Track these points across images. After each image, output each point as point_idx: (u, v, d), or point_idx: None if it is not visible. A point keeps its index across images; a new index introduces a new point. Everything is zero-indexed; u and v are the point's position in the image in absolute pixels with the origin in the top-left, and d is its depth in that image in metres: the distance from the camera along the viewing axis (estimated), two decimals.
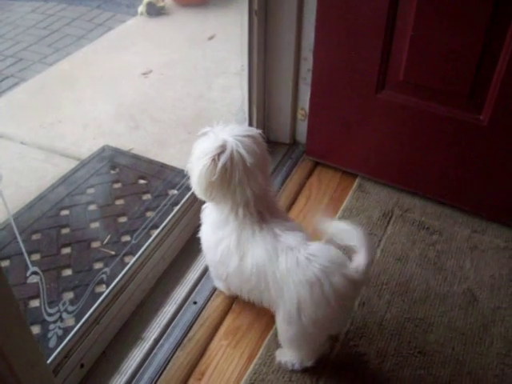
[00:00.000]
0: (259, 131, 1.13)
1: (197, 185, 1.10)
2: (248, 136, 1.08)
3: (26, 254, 1.36)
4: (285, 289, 1.06)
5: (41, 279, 1.09)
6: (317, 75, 1.63)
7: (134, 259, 1.37)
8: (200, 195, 1.12)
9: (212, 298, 1.38)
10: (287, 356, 1.23)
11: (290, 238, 1.08)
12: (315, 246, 1.07)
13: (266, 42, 1.65)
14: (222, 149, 1.04)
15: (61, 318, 1.14)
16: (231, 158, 1.04)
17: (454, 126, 1.51)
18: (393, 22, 1.44)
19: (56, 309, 1.14)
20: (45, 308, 1.11)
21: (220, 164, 1.03)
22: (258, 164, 1.07)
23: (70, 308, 1.18)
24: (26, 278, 1.43)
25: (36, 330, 1.27)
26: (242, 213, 1.09)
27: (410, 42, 1.43)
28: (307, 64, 1.68)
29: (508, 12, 1.29)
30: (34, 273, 1.07)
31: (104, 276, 1.30)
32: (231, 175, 1.05)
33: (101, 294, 1.27)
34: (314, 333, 1.12)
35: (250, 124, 1.76)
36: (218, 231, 1.15)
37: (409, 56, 1.46)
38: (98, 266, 1.53)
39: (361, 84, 1.57)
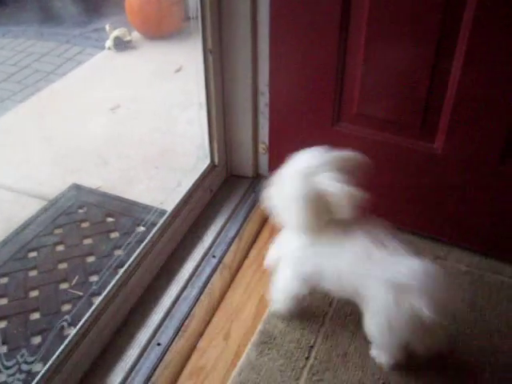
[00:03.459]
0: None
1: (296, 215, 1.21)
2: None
3: None
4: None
5: None
6: (274, 110, 1.66)
7: (100, 300, 1.36)
8: (303, 227, 1.24)
9: (176, 339, 1.38)
10: (381, 356, 1.29)
11: None
12: None
13: (223, 79, 1.68)
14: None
15: (20, 370, 1.13)
16: None
17: (409, 156, 1.54)
18: (343, 56, 1.48)
19: (14, 361, 1.13)
20: (2, 362, 1.10)
21: None
22: None
23: (29, 359, 1.17)
24: None
25: None
26: None
27: (361, 76, 1.47)
28: (264, 98, 1.70)
29: (451, 46, 1.34)
30: None
31: (65, 323, 1.29)
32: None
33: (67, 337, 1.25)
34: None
35: (212, 159, 1.78)
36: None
37: (360, 89, 1.49)
38: (66, 307, 1.53)
39: (316, 117, 1.60)
